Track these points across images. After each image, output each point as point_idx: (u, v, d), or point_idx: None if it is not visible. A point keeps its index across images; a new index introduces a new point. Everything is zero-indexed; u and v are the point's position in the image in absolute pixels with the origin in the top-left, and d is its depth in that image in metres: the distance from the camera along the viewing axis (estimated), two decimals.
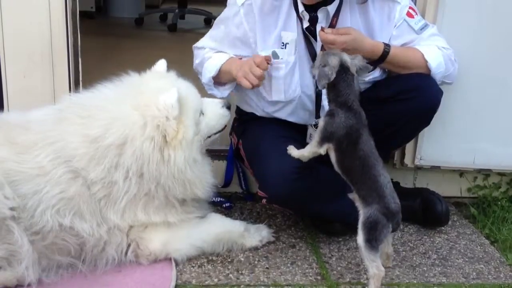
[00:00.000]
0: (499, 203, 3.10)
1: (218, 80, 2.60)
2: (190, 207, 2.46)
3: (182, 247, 2.42)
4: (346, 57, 2.30)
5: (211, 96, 2.61)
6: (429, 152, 3.04)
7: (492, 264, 2.62)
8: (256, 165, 2.63)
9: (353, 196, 2.29)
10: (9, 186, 2.12)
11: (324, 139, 2.28)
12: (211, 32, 2.69)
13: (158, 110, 2.22)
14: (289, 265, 2.49)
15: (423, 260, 2.60)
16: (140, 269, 2.35)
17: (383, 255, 2.43)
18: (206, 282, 2.32)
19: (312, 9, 2.48)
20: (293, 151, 2.36)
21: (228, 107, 2.55)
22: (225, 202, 2.93)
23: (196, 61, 2.67)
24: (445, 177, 3.18)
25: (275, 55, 2.51)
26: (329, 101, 2.34)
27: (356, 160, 2.25)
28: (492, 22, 2.86)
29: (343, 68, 2.27)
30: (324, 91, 2.43)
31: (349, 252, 2.61)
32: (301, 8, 2.48)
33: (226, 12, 2.60)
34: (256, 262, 2.49)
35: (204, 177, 2.43)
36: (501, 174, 3.20)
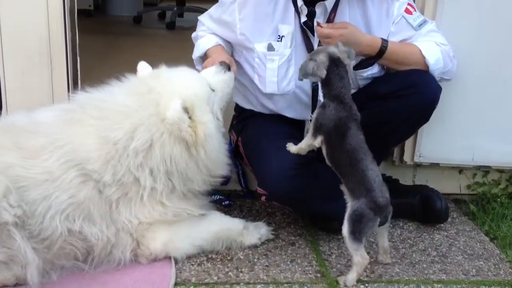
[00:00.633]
0: (499, 200, 3.11)
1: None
2: (203, 201, 2.50)
3: (182, 246, 2.42)
4: (333, 49, 2.30)
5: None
6: (429, 149, 3.04)
7: (492, 261, 2.61)
8: (255, 162, 2.63)
9: (343, 188, 2.32)
10: (16, 192, 2.08)
11: (316, 131, 2.30)
12: (211, 11, 2.76)
13: (170, 125, 2.24)
14: (288, 262, 2.49)
15: (423, 257, 2.60)
16: (139, 267, 2.34)
17: (380, 250, 2.46)
18: (206, 280, 2.32)
19: (310, 4, 2.48)
20: (291, 147, 2.37)
21: (229, 68, 2.51)
22: (225, 200, 2.92)
23: (193, 35, 2.81)
24: (445, 174, 3.17)
25: (270, 47, 2.53)
26: (324, 95, 2.36)
27: (344, 153, 2.28)
28: (492, 18, 2.86)
29: (333, 61, 2.27)
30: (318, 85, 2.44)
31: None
32: (300, 2, 2.48)
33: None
34: (255, 260, 2.49)
35: (225, 157, 2.49)
36: (500, 171, 3.20)
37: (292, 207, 2.74)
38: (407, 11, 2.59)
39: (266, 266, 2.45)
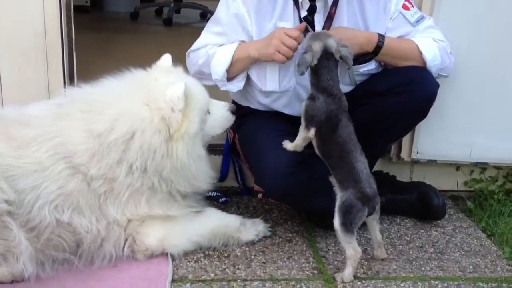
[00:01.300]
0: (496, 196, 3.11)
1: (229, 74, 2.55)
2: (191, 201, 2.46)
3: (179, 242, 2.41)
4: (332, 42, 2.31)
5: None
6: (426, 146, 3.04)
7: (489, 257, 2.62)
8: (252, 159, 2.62)
9: (332, 180, 2.33)
10: (5, 181, 2.10)
11: (308, 123, 2.32)
12: (209, 29, 2.64)
13: (165, 102, 2.22)
14: (285, 259, 2.49)
15: (420, 254, 2.60)
16: (136, 264, 2.34)
17: (374, 244, 2.48)
18: (203, 277, 2.31)
19: None
20: (287, 144, 2.39)
21: (233, 112, 2.53)
22: (222, 197, 2.92)
23: (200, 61, 2.58)
24: (442, 170, 3.18)
25: None
26: (311, 85, 2.36)
27: (335, 145, 2.30)
28: (490, 14, 2.86)
29: (326, 54, 2.30)
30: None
31: None
32: None
33: (221, 5, 2.58)
34: (252, 256, 2.49)
35: (207, 170, 2.45)
36: (497, 167, 3.20)
37: (289, 204, 2.74)
38: (404, 7, 2.58)
39: (263, 263, 2.45)
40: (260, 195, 2.58)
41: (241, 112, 2.78)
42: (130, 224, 2.34)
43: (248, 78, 2.62)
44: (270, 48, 2.37)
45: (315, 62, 2.28)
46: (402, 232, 2.79)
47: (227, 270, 2.37)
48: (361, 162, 2.28)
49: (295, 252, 2.54)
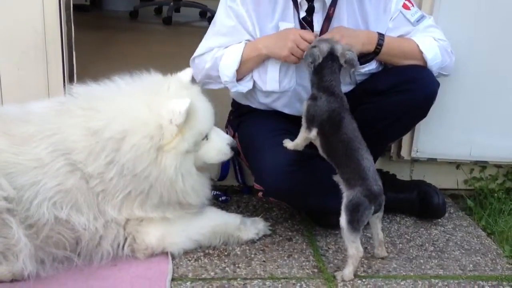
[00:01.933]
0: (496, 195, 3.11)
1: (238, 74, 2.52)
2: (188, 208, 2.43)
3: (179, 240, 2.41)
4: (339, 47, 2.32)
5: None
6: (426, 145, 3.04)
7: (489, 256, 2.62)
8: (252, 158, 2.62)
9: (337, 178, 2.32)
10: (5, 178, 2.10)
11: (309, 123, 2.31)
12: (212, 31, 2.60)
13: (166, 111, 2.20)
14: (285, 258, 2.49)
15: (420, 253, 2.60)
16: (136, 263, 2.34)
17: (375, 242, 2.48)
18: (203, 276, 2.31)
19: None
20: (288, 143, 2.38)
21: (233, 148, 2.48)
22: (222, 196, 2.92)
23: (206, 66, 2.54)
24: (442, 169, 3.17)
25: None
26: (312, 85, 2.36)
27: (340, 143, 2.29)
28: (490, 13, 2.86)
29: (331, 56, 2.31)
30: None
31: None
32: None
33: (221, 5, 2.58)
34: (252, 255, 2.49)
35: (200, 188, 2.41)
36: (497, 166, 3.21)
37: (289, 203, 2.73)
38: (404, 6, 2.58)
39: (263, 261, 2.44)
40: (260, 194, 2.57)
41: (241, 111, 2.78)
42: (130, 223, 2.34)
43: None
44: (284, 50, 2.37)
45: (320, 60, 2.29)
46: (402, 230, 2.79)
47: (227, 268, 2.37)
48: (367, 160, 2.28)
49: (295, 251, 2.54)
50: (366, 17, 2.56)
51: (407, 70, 2.54)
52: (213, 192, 2.83)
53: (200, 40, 2.63)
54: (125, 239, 2.35)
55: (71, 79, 2.78)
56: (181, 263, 2.38)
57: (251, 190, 2.93)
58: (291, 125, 2.63)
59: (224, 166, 2.96)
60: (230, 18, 2.52)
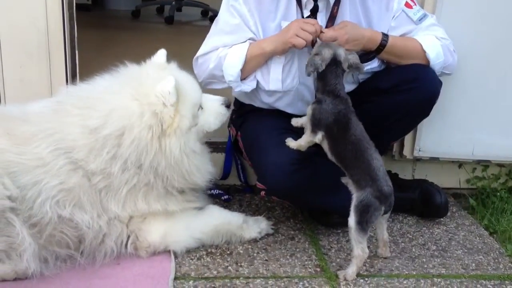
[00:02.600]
0: (498, 194, 3.11)
1: (242, 74, 2.52)
2: (190, 196, 2.46)
3: (181, 239, 2.42)
4: (341, 52, 2.32)
5: (210, 91, 2.57)
6: (428, 144, 3.04)
7: (491, 255, 2.62)
8: (254, 157, 2.62)
9: (346, 180, 2.32)
10: (8, 177, 2.11)
11: (315, 127, 2.30)
12: (215, 30, 2.59)
13: (156, 97, 2.21)
14: (288, 257, 2.49)
15: (422, 252, 2.60)
16: (139, 261, 2.34)
17: (379, 242, 2.47)
18: (205, 274, 2.32)
19: None
20: (290, 142, 2.37)
21: (228, 106, 2.52)
22: (224, 195, 2.92)
23: (210, 65, 2.52)
24: (444, 168, 3.17)
25: None
26: (317, 90, 2.37)
27: (349, 145, 2.28)
28: (492, 12, 2.86)
29: (334, 62, 2.30)
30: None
31: (348, 244, 2.59)
32: None
33: (224, 4, 2.57)
34: (255, 254, 2.49)
35: (203, 166, 2.44)
36: (500, 165, 3.20)
37: (291, 202, 2.74)
38: (407, 5, 2.58)
39: (266, 260, 2.45)
40: (262, 193, 2.58)
41: (243, 110, 2.78)
42: (132, 221, 2.35)
43: None
44: (289, 32, 2.37)
45: (323, 67, 2.28)
46: (404, 229, 2.79)
47: (229, 267, 2.38)
48: (377, 160, 2.27)
49: (297, 250, 2.55)
50: (369, 16, 2.56)
51: (410, 69, 2.54)
52: (215, 191, 2.85)
53: (202, 39, 2.63)
54: (128, 237, 2.36)
55: (73, 78, 2.79)
56: (183, 261, 2.39)
57: (254, 189, 2.92)
58: None
59: (226, 165, 2.96)
60: (233, 17, 2.52)
